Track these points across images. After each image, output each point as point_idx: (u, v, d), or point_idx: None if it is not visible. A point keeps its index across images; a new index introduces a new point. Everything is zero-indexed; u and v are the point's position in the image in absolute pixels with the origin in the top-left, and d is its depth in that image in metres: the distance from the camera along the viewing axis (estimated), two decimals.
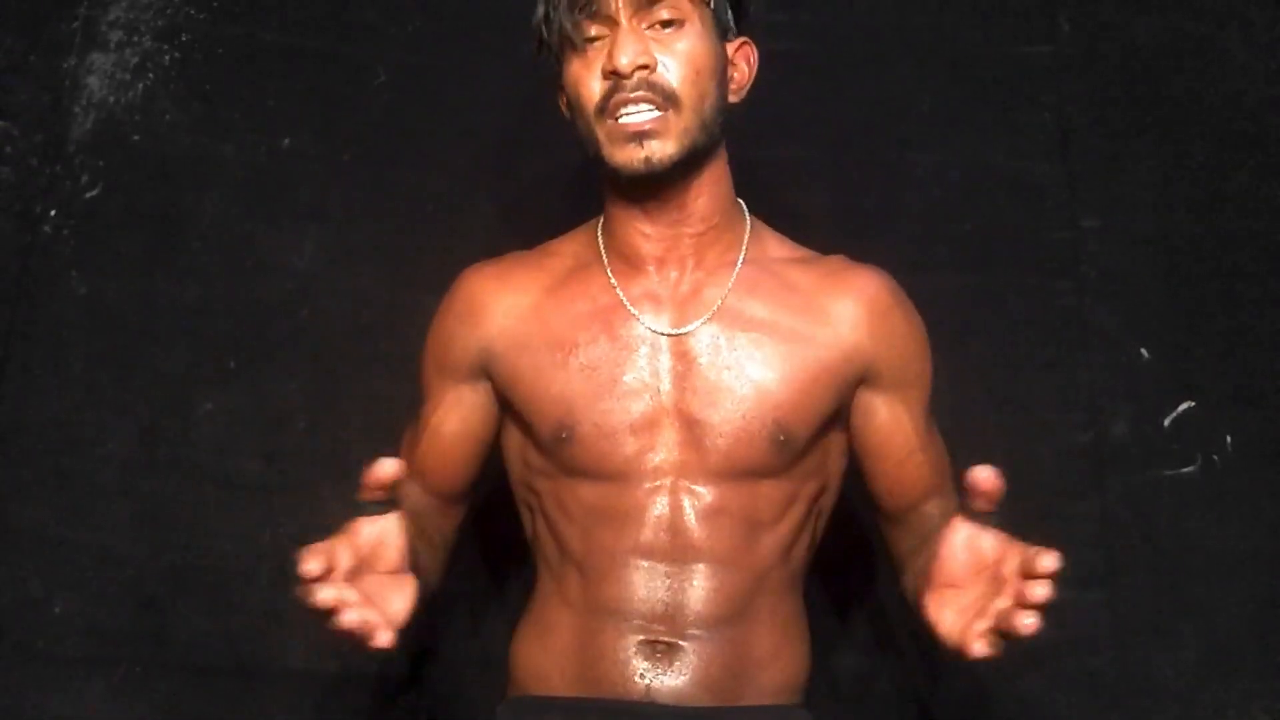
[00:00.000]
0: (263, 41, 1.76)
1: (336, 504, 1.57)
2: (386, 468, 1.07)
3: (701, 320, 1.30)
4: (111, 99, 1.73)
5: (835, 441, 1.36)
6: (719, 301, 1.31)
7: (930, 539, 1.22)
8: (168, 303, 1.66)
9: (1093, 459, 1.63)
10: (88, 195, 1.69)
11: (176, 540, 1.58)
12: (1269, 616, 1.58)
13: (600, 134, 1.25)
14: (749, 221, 1.37)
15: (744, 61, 1.34)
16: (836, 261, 1.37)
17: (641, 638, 1.26)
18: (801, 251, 1.39)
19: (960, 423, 1.46)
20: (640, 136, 1.23)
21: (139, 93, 1.73)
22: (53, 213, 1.68)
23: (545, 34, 1.29)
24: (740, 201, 1.37)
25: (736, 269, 1.32)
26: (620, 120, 1.23)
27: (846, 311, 1.32)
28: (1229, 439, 1.63)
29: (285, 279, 1.68)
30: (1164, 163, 1.74)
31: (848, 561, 1.58)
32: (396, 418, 1.43)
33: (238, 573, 1.57)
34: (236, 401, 1.63)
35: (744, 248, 1.34)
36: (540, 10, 1.29)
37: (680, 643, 1.26)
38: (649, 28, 1.25)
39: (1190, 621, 1.57)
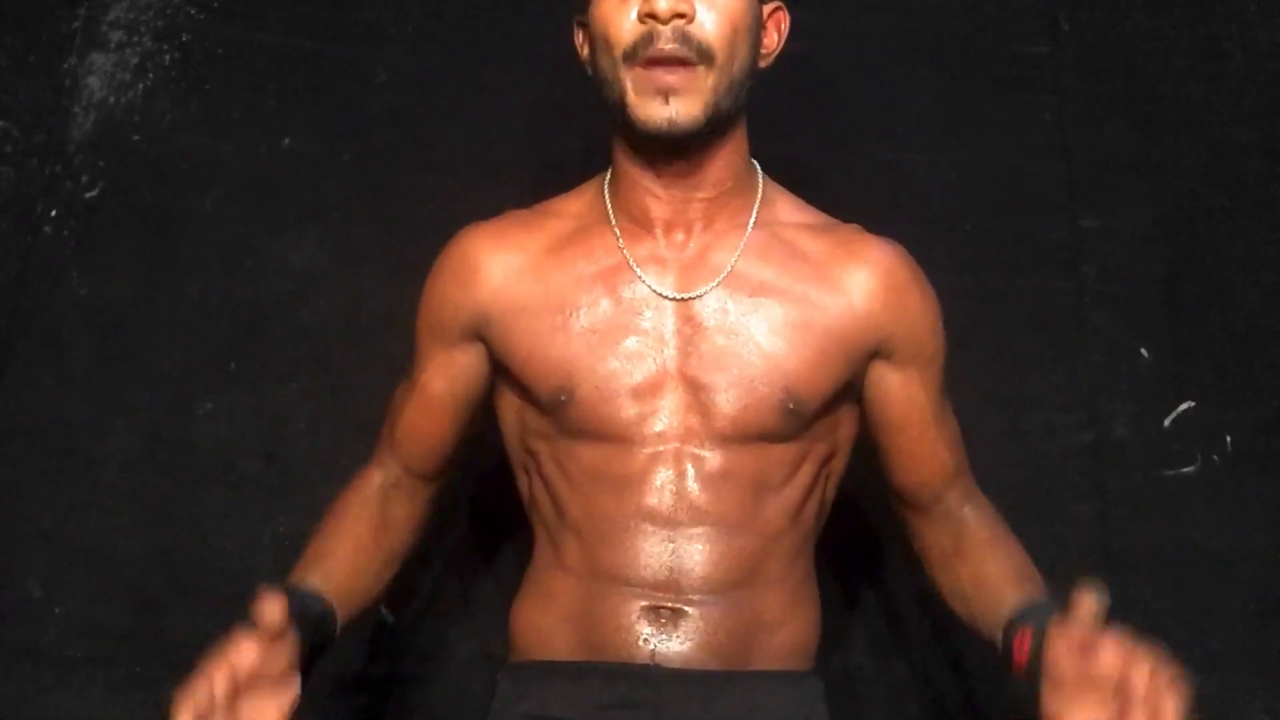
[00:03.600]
0: (263, 41, 1.76)
1: None
2: (274, 613, 1.07)
3: (709, 286, 1.27)
4: (111, 99, 1.73)
5: (846, 411, 1.33)
6: (728, 267, 1.27)
7: (985, 560, 1.27)
8: (168, 303, 1.66)
9: (1093, 459, 1.63)
10: (88, 195, 1.69)
11: (176, 540, 1.58)
12: (1269, 616, 1.58)
13: (626, 80, 1.21)
14: (761, 184, 1.33)
15: (775, 28, 1.31)
16: (851, 230, 1.34)
17: (645, 603, 1.23)
18: (816, 216, 1.35)
19: (960, 423, 1.46)
20: (667, 93, 1.19)
21: (139, 93, 1.73)
22: (53, 213, 1.68)
23: None
24: (754, 162, 1.34)
25: (746, 233, 1.29)
26: (649, 69, 1.19)
27: (860, 282, 1.29)
28: (1229, 439, 1.63)
29: (285, 279, 1.68)
30: (1164, 163, 1.74)
31: (851, 559, 1.58)
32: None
33: (238, 573, 1.57)
34: (236, 401, 1.63)
35: (754, 211, 1.31)
36: None
37: (685, 608, 1.23)
38: None
39: (1190, 621, 1.57)
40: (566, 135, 1.74)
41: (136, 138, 1.72)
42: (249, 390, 1.63)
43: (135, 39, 1.75)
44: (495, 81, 1.75)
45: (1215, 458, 1.63)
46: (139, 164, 1.71)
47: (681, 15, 1.19)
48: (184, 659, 1.55)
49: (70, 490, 1.58)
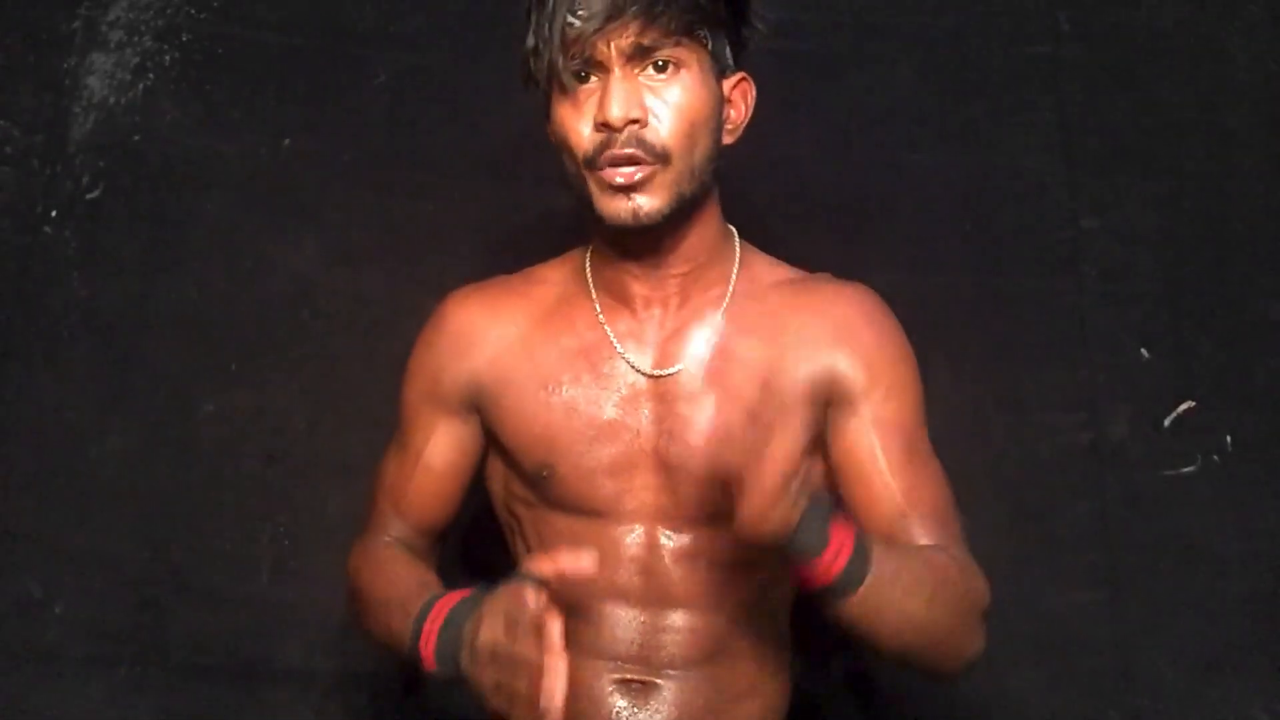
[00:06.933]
0: (263, 41, 1.76)
1: (336, 504, 1.59)
2: (587, 563, 1.09)
3: (683, 365, 1.27)
4: (111, 99, 1.73)
5: (814, 474, 1.28)
6: (702, 345, 1.25)
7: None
8: (168, 303, 1.66)
9: (1093, 459, 1.63)
10: (88, 196, 1.69)
11: (176, 540, 1.58)
12: (1269, 616, 1.58)
13: (590, 183, 1.22)
14: (738, 252, 1.32)
15: (741, 99, 1.28)
16: (819, 280, 1.33)
17: (618, 676, 1.26)
18: (790, 273, 1.34)
19: (960, 423, 1.46)
20: (629, 190, 1.20)
21: (139, 93, 1.73)
22: (53, 213, 1.68)
23: (533, 69, 1.24)
24: (731, 229, 1.33)
25: (723, 307, 1.29)
26: (608, 170, 1.20)
27: (815, 332, 1.27)
28: (1229, 439, 1.64)
29: (286, 279, 1.68)
30: (1164, 162, 1.74)
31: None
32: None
33: (238, 573, 1.57)
34: (237, 402, 1.63)
35: (731, 282, 1.31)
36: (530, 42, 1.23)
37: (657, 681, 1.26)
38: (642, 73, 1.20)
39: (1190, 621, 1.58)
40: None
41: (137, 138, 1.72)
42: (249, 391, 1.63)
43: (135, 39, 1.76)
44: (495, 81, 1.75)
45: (1215, 458, 1.63)
46: (139, 164, 1.71)
47: (635, 121, 1.19)
48: (184, 659, 1.56)
49: (70, 490, 1.58)
